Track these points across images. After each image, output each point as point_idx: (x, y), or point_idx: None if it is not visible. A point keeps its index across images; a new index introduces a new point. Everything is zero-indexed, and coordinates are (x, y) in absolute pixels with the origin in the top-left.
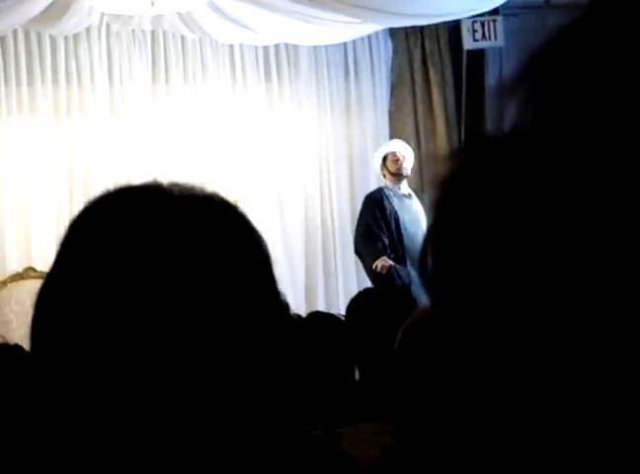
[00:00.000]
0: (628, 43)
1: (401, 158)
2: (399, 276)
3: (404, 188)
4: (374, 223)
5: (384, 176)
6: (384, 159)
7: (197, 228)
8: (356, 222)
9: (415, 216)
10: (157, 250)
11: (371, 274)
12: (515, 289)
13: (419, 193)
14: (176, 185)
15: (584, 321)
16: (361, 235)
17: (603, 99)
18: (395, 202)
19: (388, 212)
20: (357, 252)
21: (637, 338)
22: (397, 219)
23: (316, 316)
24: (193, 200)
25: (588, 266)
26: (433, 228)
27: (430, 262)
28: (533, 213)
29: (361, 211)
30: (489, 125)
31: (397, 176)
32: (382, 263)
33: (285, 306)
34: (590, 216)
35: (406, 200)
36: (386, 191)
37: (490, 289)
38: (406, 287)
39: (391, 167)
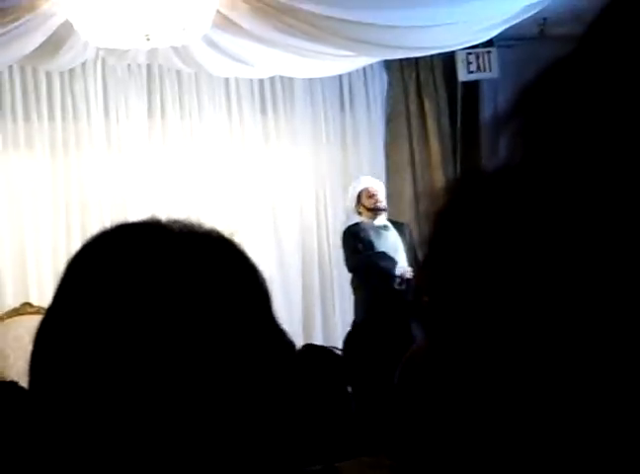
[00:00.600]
0: (616, 79)
1: (376, 193)
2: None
3: (380, 220)
4: (356, 254)
5: (360, 214)
6: (359, 197)
7: (196, 265)
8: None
9: (392, 247)
10: (157, 287)
11: (363, 306)
12: (509, 324)
13: (398, 224)
14: (175, 221)
15: (576, 355)
16: (353, 268)
17: (591, 134)
18: (371, 234)
19: (366, 243)
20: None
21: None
22: (372, 249)
23: (310, 349)
24: (192, 237)
25: (577, 306)
26: (425, 263)
27: (424, 296)
28: (523, 249)
29: (343, 246)
30: (484, 157)
31: (374, 211)
32: (406, 272)
33: (290, 344)
34: (579, 253)
35: (382, 232)
36: (361, 225)
37: (486, 323)
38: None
39: (367, 203)
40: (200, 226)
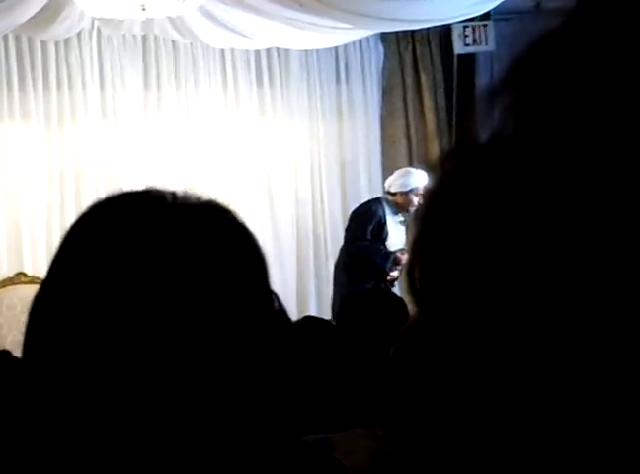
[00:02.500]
0: (607, 50)
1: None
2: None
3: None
4: (369, 236)
5: (389, 199)
6: (408, 189)
7: (194, 236)
8: (348, 227)
9: (402, 244)
10: (154, 259)
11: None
12: (505, 293)
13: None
14: (174, 192)
15: (564, 334)
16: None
17: (582, 106)
18: (390, 223)
19: (381, 228)
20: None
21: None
22: (385, 240)
23: (309, 321)
24: (191, 208)
25: (571, 269)
26: (419, 237)
27: (416, 271)
28: (515, 219)
29: (354, 220)
30: (479, 130)
31: (407, 211)
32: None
33: (283, 313)
34: (571, 221)
35: (400, 226)
36: (384, 205)
37: (481, 294)
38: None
39: (410, 202)
40: (199, 198)
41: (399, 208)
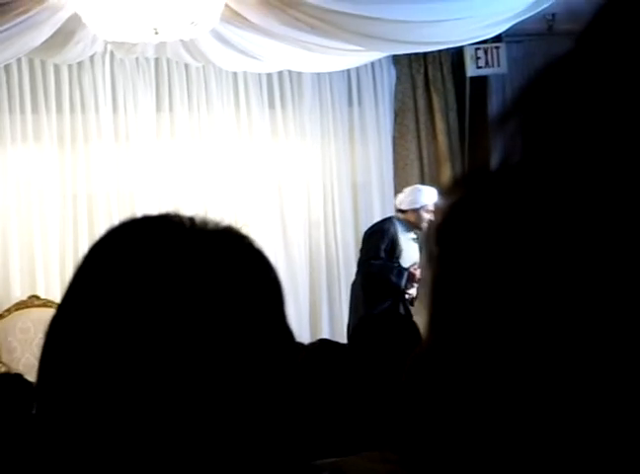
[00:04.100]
0: (614, 77)
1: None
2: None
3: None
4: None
5: (401, 217)
6: (419, 206)
7: (212, 263)
8: (362, 248)
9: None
10: (173, 283)
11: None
12: (512, 324)
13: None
14: (193, 217)
15: (574, 356)
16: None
17: (589, 133)
18: (402, 240)
19: (394, 246)
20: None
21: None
22: (399, 257)
23: (323, 344)
24: (209, 234)
25: (576, 304)
26: (431, 263)
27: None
28: (523, 247)
29: (368, 240)
30: (492, 153)
31: (419, 228)
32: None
33: (298, 346)
34: (579, 247)
35: (412, 243)
36: (396, 225)
37: (489, 323)
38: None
39: (422, 219)
40: (217, 223)
41: (411, 226)
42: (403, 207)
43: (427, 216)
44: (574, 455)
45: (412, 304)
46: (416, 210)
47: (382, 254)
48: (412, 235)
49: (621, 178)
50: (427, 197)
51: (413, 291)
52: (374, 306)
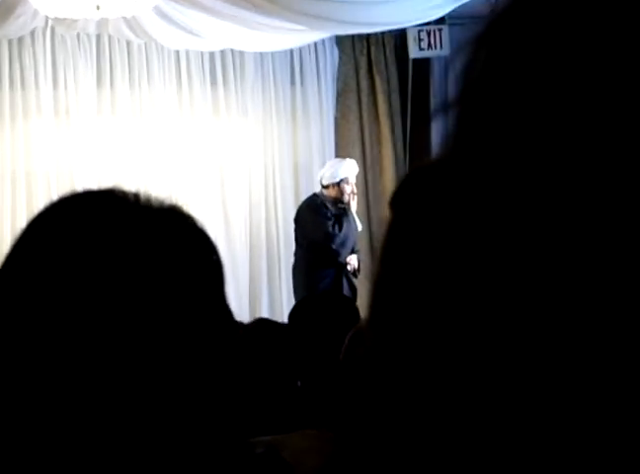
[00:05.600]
0: (541, 75)
1: (353, 186)
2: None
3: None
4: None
5: (325, 192)
6: (340, 179)
7: (157, 239)
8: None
9: (349, 233)
10: (115, 258)
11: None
12: (443, 310)
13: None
14: (137, 193)
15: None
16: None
17: (522, 127)
18: (335, 214)
19: (333, 220)
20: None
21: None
22: (339, 229)
23: (261, 323)
24: (154, 211)
25: (501, 294)
26: (379, 256)
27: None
28: (455, 241)
29: (305, 217)
30: (434, 135)
31: (341, 201)
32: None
33: (237, 325)
34: (507, 243)
35: (343, 216)
36: (324, 201)
37: (422, 309)
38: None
39: (344, 191)
40: (161, 201)
41: (334, 200)
42: (324, 182)
43: (348, 188)
44: (492, 429)
45: (355, 276)
46: (337, 184)
47: (329, 228)
48: (336, 208)
49: (546, 178)
50: (346, 170)
51: (354, 262)
52: (316, 277)
